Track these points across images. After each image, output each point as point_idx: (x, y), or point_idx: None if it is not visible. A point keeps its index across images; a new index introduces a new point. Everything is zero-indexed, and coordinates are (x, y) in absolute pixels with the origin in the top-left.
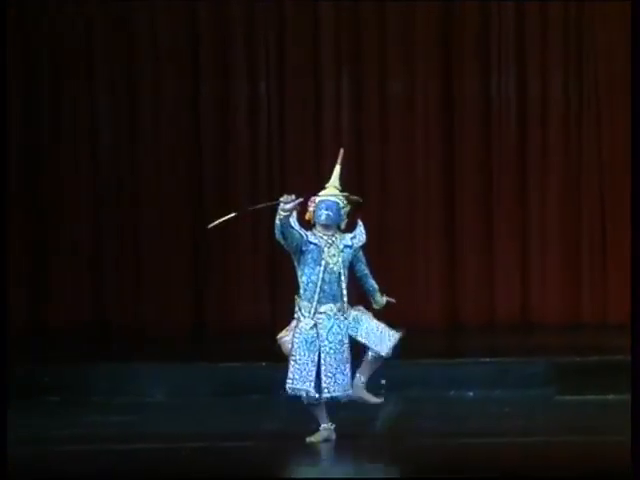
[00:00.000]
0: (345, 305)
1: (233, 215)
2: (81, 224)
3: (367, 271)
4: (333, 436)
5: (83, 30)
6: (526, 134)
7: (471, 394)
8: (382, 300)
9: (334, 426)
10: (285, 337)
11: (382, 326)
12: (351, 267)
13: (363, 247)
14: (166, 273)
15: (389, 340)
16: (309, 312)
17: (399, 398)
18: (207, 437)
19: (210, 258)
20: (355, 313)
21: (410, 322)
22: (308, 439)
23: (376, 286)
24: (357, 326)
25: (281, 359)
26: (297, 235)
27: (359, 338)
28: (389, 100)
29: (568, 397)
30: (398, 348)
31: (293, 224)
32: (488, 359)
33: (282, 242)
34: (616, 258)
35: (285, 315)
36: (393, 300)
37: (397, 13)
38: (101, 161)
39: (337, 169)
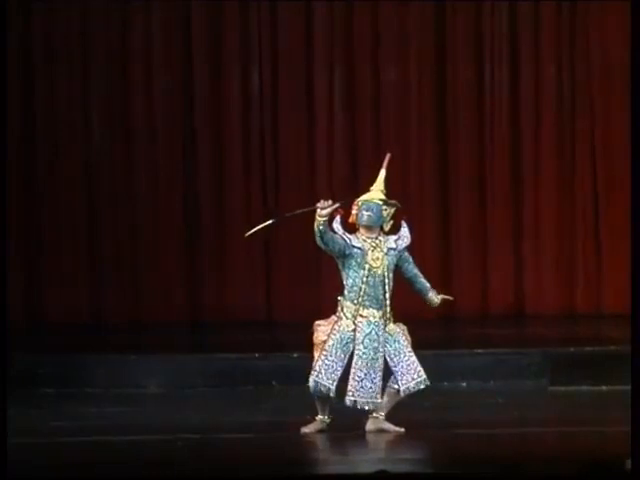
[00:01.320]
0: (388, 311)
1: (270, 222)
2: (77, 218)
3: (416, 271)
4: (326, 428)
5: (77, 26)
6: (519, 123)
7: (465, 385)
8: (436, 299)
9: (330, 419)
10: (322, 326)
11: (414, 358)
12: (397, 269)
13: (408, 248)
14: (162, 265)
15: (412, 379)
16: (351, 314)
17: None
18: (202, 428)
19: (205, 250)
20: (397, 329)
21: (404, 313)
22: (302, 430)
23: (428, 285)
24: (393, 345)
25: (275, 350)
26: (340, 240)
27: (388, 358)
28: (382, 91)
29: (562, 388)
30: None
31: (337, 229)
32: (482, 350)
33: (323, 247)
34: (610, 249)
35: (280, 306)
36: (450, 298)
37: (390, 3)
38: (95, 159)
39: (382, 173)
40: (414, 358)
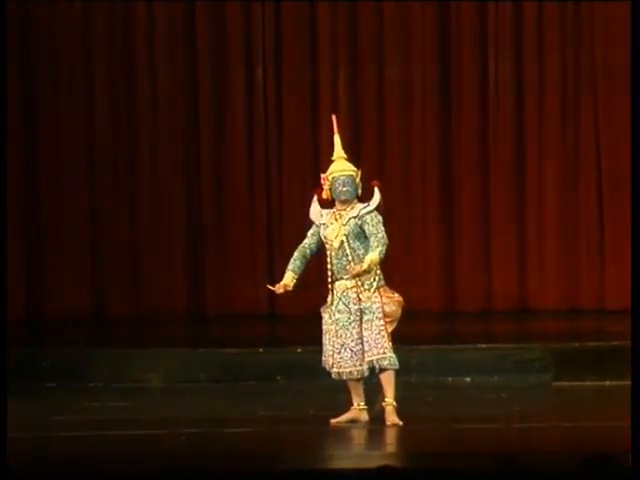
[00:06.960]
0: (358, 279)
1: None
2: (79, 211)
3: (374, 231)
4: (363, 417)
5: (80, 16)
6: (523, 118)
7: (468, 380)
8: (357, 267)
9: (366, 406)
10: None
11: (383, 332)
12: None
13: (378, 209)
14: (164, 259)
15: (378, 352)
16: (330, 288)
17: (396, 383)
18: (204, 423)
19: (207, 243)
20: (372, 299)
21: (407, 307)
22: (333, 420)
23: (371, 253)
24: (366, 315)
25: (279, 345)
26: (315, 236)
27: (362, 329)
28: (386, 85)
29: (565, 383)
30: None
31: (312, 212)
32: (485, 345)
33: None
34: (613, 244)
35: (283, 300)
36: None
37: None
38: (97, 154)
39: (337, 138)
40: (384, 332)
